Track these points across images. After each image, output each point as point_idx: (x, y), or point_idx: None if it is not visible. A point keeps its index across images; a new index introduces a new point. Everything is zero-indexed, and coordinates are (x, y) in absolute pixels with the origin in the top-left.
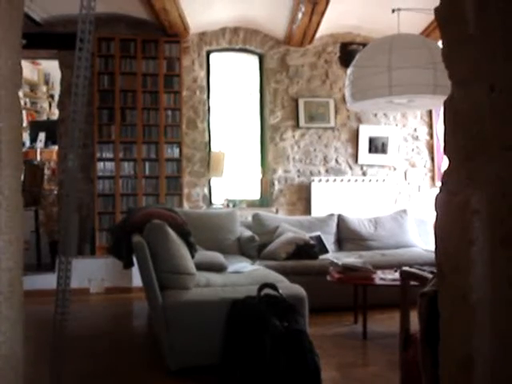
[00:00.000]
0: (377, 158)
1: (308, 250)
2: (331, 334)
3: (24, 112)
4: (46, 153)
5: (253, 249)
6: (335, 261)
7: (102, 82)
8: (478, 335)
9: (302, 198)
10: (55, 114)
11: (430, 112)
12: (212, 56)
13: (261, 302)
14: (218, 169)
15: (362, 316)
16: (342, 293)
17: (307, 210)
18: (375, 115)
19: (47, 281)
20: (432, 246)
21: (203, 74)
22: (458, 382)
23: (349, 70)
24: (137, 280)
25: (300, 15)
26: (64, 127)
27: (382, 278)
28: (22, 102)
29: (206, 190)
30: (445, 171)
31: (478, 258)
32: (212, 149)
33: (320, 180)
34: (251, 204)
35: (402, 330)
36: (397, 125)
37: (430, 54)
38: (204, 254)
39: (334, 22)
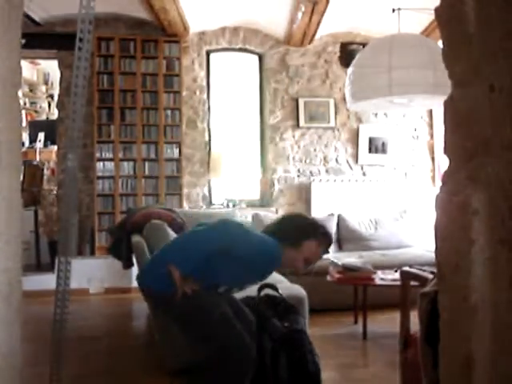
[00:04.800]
0: (377, 157)
1: None
2: (331, 335)
3: (23, 112)
4: (45, 153)
5: None
6: (335, 261)
7: (101, 81)
8: (479, 335)
9: (302, 198)
10: (54, 113)
11: (430, 112)
12: (212, 56)
13: (261, 303)
14: (217, 169)
15: (362, 316)
16: (342, 293)
17: (307, 210)
18: (375, 115)
19: (47, 281)
20: (432, 246)
21: (203, 73)
22: (459, 383)
23: (349, 70)
24: None
25: (300, 15)
26: (63, 127)
27: (382, 278)
28: (22, 102)
29: (205, 190)
30: (445, 171)
31: (478, 258)
32: (212, 149)
33: (320, 180)
34: (251, 204)
35: (402, 330)
36: (397, 125)
37: (429, 54)
38: None
39: (334, 22)
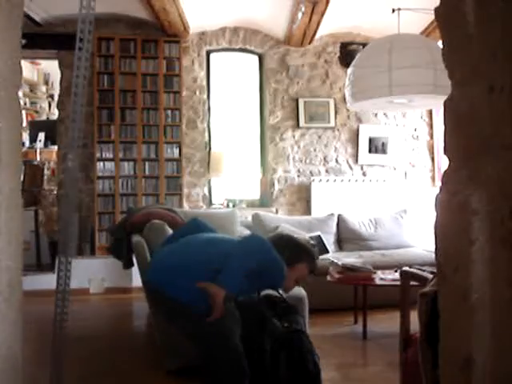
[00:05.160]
0: (377, 157)
1: None
2: (331, 335)
3: (24, 112)
4: (45, 153)
5: None
6: (335, 261)
7: (101, 81)
8: (478, 335)
9: (302, 198)
10: (55, 113)
11: (430, 112)
12: (212, 56)
13: (261, 303)
14: (217, 169)
15: (362, 316)
16: (342, 293)
17: (307, 210)
18: (375, 115)
19: (47, 281)
20: (432, 246)
21: (203, 73)
22: (458, 382)
23: (349, 70)
24: (137, 280)
25: (300, 15)
26: (64, 127)
27: (382, 278)
28: (22, 102)
29: (205, 190)
30: (445, 171)
31: (478, 258)
32: (212, 149)
33: (320, 180)
34: (251, 204)
35: (402, 330)
36: (397, 125)
37: (429, 54)
38: None
39: (334, 22)
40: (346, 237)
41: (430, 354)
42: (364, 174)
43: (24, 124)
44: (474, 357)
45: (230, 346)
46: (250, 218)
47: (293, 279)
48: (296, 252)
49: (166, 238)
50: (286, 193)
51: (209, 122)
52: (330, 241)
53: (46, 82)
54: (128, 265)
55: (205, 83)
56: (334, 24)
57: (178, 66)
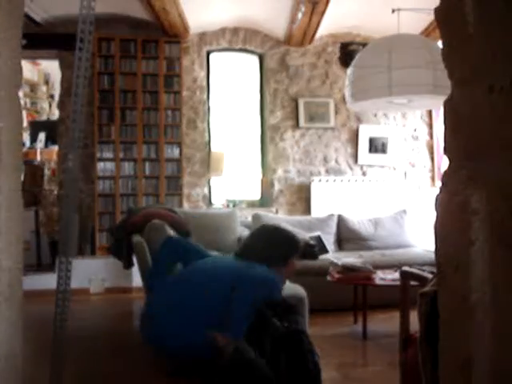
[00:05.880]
0: (377, 158)
1: (308, 250)
2: (331, 334)
3: (24, 112)
4: (46, 153)
5: None
6: (335, 261)
7: (102, 81)
8: (478, 336)
9: (302, 198)
10: (55, 114)
11: (430, 112)
12: (212, 56)
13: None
14: (218, 169)
15: (362, 316)
16: (342, 293)
17: (307, 210)
18: (375, 115)
19: (47, 281)
20: (432, 246)
21: (203, 74)
22: (458, 382)
23: (349, 70)
24: (137, 280)
25: (300, 15)
26: (64, 127)
27: (381, 278)
28: (22, 102)
29: (206, 190)
30: (445, 171)
31: (478, 258)
32: (212, 149)
33: (320, 180)
34: (251, 204)
35: (402, 330)
36: (397, 125)
37: (429, 54)
38: None
39: (334, 22)
40: (346, 237)
41: (430, 354)
42: (364, 174)
43: (24, 124)
44: (474, 357)
45: (256, 374)
46: (250, 218)
47: (287, 274)
48: (290, 249)
49: (152, 268)
50: (286, 193)
51: (209, 122)
52: (329, 241)
53: (47, 83)
54: (128, 265)
55: (205, 83)
56: (333, 24)
57: (178, 66)
